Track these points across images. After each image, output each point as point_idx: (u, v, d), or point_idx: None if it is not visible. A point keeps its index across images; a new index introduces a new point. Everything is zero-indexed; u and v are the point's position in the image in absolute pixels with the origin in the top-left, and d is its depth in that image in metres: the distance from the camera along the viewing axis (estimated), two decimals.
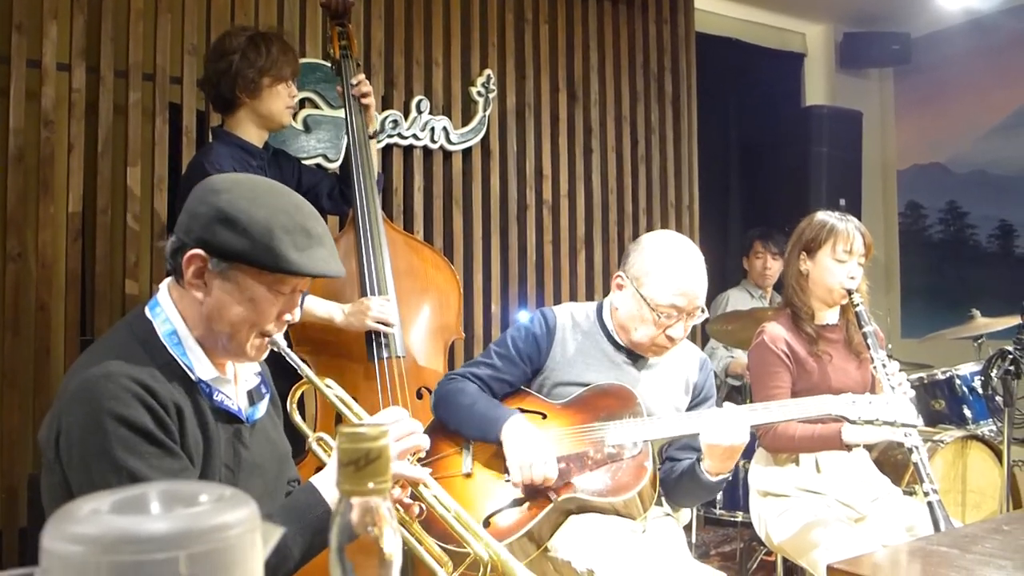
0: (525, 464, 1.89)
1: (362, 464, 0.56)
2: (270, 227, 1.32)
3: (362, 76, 2.69)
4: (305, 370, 1.48)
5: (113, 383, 1.27)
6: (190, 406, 1.36)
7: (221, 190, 1.35)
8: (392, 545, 0.58)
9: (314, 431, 1.56)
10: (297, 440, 1.73)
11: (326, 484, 1.39)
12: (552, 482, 1.91)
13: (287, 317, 1.42)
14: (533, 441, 1.93)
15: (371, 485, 0.57)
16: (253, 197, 1.34)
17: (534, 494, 1.92)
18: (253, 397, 1.51)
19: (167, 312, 1.40)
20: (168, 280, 1.43)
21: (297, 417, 1.56)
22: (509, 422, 1.95)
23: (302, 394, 1.61)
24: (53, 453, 1.30)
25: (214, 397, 1.40)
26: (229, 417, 1.43)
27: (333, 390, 1.52)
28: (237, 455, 1.43)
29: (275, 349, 1.44)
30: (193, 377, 1.37)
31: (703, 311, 2.08)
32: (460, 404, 2.04)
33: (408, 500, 1.47)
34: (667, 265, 2.04)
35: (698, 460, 1.97)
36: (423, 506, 1.48)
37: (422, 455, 1.49)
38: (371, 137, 2.71)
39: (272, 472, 1.51)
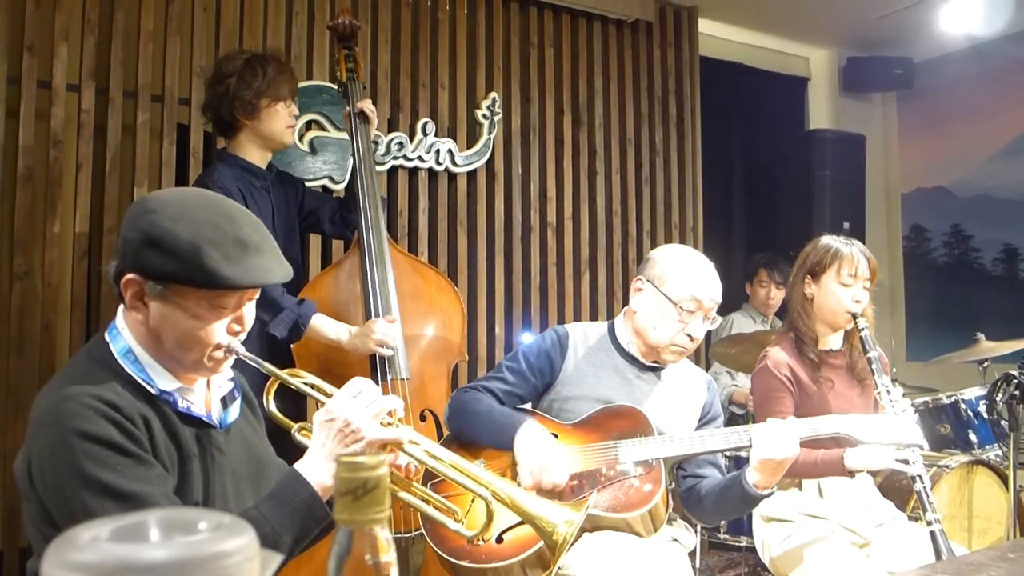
0: (536, 468, 1.91)
1: (360, 494, 0.56)
2: (197, 244, 1.30)
3: (368, 101, 2.71)
4: (267, 366, 1.47)
5: (74, 403, 1.27)
6: (156, 417, 1.35)
7: (148, 211, 1.33)
8: (390, 574, 0.58)
9: None
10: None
11: (308, 468, 1.40)
12: (561, 488, 1.92)
13: (236, 328, 1.41)
14: (544, 447, 1.95)
15: (369, 514, 0.57)
16: (179, 215, 1.32)
17: None
18: (226, 402, 1.51)
19: (123, 334, 1.40)
20: (122, 304, 1.43)
21: (276, 412, 1.55)
22: (523, 428, 1.98)
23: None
24: (27, 483, 1.31)
25: (179, 406, 1.39)
26: (199, 423, 1.43)
27: (301, 378, 1.52)
28: (211, 459, 1.43)
29: (238, 357, 1.43)
30: (154, 390, 1.37)
31: (716, 317, 2.15)
32: (476, 412, 2.06)
33: (400, 462, 1.48)
34: (685, 264, 2.15)
35: (743, 476, 1.98)
36: (416, 464, 1.49)
37: (400, 415, 1.50)
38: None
39: (250, 476, 1.51)
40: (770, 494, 1.98)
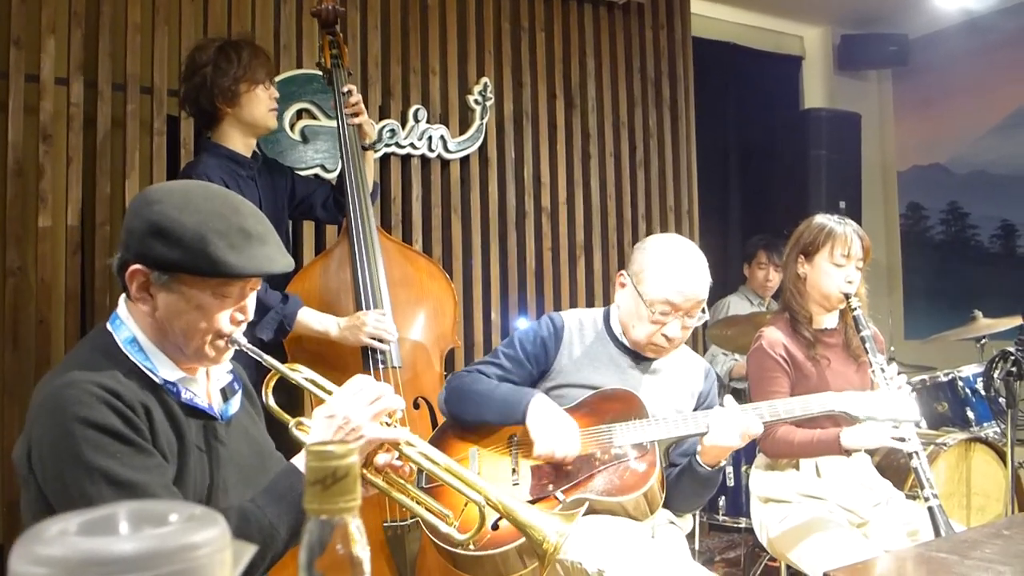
0: (550, 440, 1.93)
1: (329, 483, 0.55)
2: (202, 233, 1.31)
3: (353, 88, 2.68)
4: (268, 359, 1.48)
5: (76, 389, 1.28)
6: (159, 406, 1.36)
7: (153, 202, 1.35)
8: (362, 563, 0.58)
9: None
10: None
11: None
12: (571, 461, 1.94)
13: (240, 317, 1.43)
14: (559, 418, 1.97)
15: (339, 503, 0.56)
16: (184, 205, 1.33)
17: (542, 494, 1.93)
18: (227, 394, 1.51)
19: (126, 323, 1.41)
20: (124, 295, 1.44)
21: (275, 406, 1.55)
22: (534, 400, 1.99)
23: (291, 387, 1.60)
24: (26, 468, 1.31)
25: (182, 396, 1.40)
26: (201, 414, 1.43)
27: (300, 373, 1.52)
28: (213, 451, 1.43)
29: (238, 348, 1.44)
30: (157, 379, 1.38)
31: (703, 311, 2.09)
32: (479, 391, 2.06)
33: (396, 463, 1.49)
34: (663, 262, 2.08)
35: (694, 456, 1.99)
36: (412, 465, 1.50)
37: (399, 416, 1.50)
38: (367, 148, 2.71)
39: (251, 468, 1.51)
40: (718, 472, 2.00)
